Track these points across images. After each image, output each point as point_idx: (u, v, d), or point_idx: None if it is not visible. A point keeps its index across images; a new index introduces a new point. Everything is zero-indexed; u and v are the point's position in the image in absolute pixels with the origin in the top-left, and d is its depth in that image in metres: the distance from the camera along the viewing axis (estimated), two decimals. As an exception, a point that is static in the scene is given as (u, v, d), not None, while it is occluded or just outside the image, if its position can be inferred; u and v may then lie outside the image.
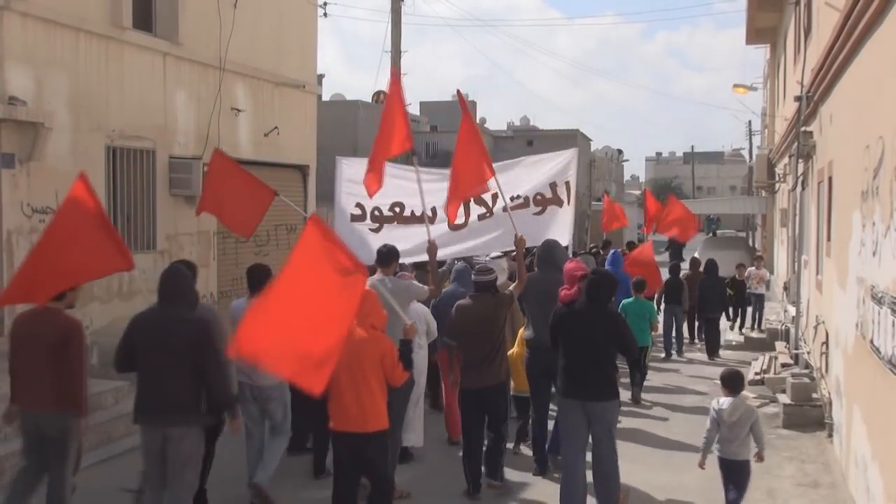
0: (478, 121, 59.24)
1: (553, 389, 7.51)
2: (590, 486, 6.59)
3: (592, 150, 65.16)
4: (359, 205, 8.62)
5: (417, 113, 55.05)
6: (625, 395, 9.49)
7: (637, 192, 76.51)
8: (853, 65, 7.92)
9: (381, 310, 5.81)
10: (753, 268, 16.95)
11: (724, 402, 6.40)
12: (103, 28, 10.67)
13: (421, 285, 7.48)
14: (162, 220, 11.82)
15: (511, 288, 7.54)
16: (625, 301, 10.90)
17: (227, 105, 13.14)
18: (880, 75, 6.41)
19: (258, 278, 6.74)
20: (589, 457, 6.55)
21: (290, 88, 14.92)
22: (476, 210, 8.86)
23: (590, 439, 6.51)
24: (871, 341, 6.23)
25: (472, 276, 7.46)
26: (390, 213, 8.64)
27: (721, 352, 14.59)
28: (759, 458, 6.56)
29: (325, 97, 43.49)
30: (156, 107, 11.73)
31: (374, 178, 7.43)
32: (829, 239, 9.73)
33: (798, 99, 11.88)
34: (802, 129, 11.91)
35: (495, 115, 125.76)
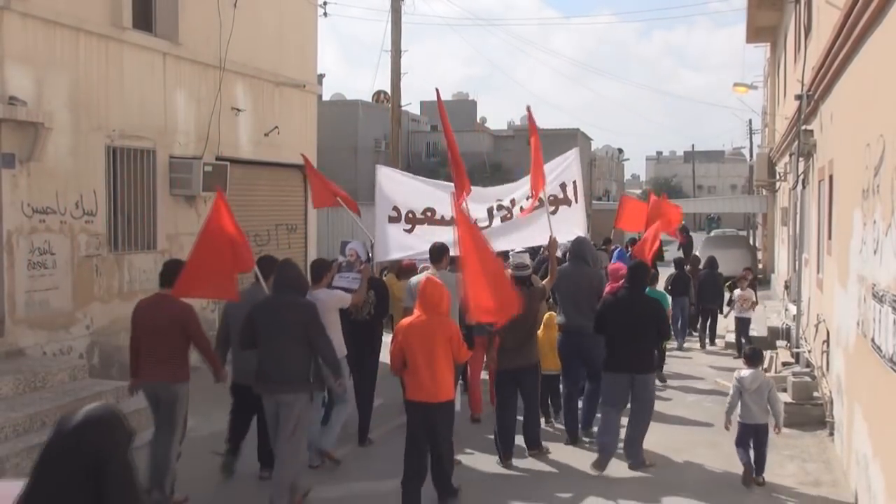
0: (478, 120, 59.35)
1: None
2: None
3: (593, 149, 65.18)
4: (395, 208, 9.56)
5: (418, 112, 55.04)
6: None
7: (637, 192, 76.52)
8: (854, 63, 7.91)
9: (447, 298, 6.66)
10: (738, 290, 14.36)
11: (746, 373, 7.49)
12: (103, 28, 10.67)
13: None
14: (162, 219, 11.82)
15: (544, 283, 8.49)
16: None
17: (228, 105, 13.13)
18: (881, 73, 6.40)
19: (319, 272, 7.77)
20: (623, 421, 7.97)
21: (291, 88, 14.92)
22: (498, 214, 9.74)
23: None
24: (872, 340, 6.23)
25: (510, 272, 8.05)
26: (422, 217, 9.56)
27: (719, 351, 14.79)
28: (777, 428, 7.56)
29: (325, 97, 43.47)
30: (156, 107, 11.73)
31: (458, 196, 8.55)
32: (829, 237, 9.73)
33: (798, 97, 11.87)
34: (803, 127, 11.91)
35: (495, 115, 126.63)
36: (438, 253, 8.26)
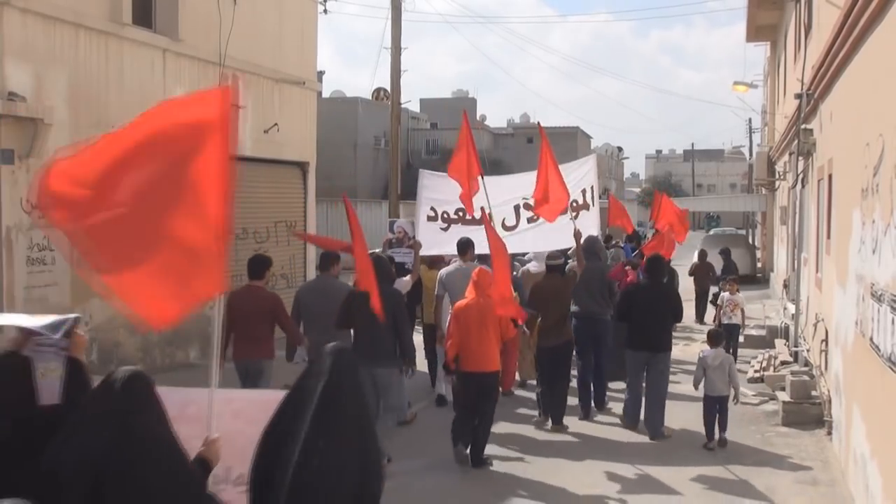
0: (478, 118, 59.31)
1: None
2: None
3: (592, 147, 65.16)
4: (433, 209, 10.61)
5: (418, 110, 55.02)
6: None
7: (637, 190, 76.55)
8: (853, 62, 7.91)
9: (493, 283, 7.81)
10: (727, 293, 13.19)
11: (709, 352, 8.68)
12: (103, 24, 10.66)
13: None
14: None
15: (575, 268, 9.96)
16: None
17: (227, 101, 13.12)
18: (880, 73, 6.40)
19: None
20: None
21: (290, 85, 14.91)
22: (525, 214, 10.59)
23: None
24: (871, 339, 6.23)
25: (546, 261, 9.60)
26: (455, 217, 10.57)
27: None
28: (736, 398, 8.86)
29: (324, 94, 43.43)
30: (155, 103, 11.72)
31: (465, 196, 9.42)
32: (828, 237, 9.73)
33: (798, 96, 11.86)
34: (803, 126, 11.90)
35: (494, 113, 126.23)
36: (464, 247, 9.47)
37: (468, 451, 7.86)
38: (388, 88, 22.69)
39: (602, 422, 9.63)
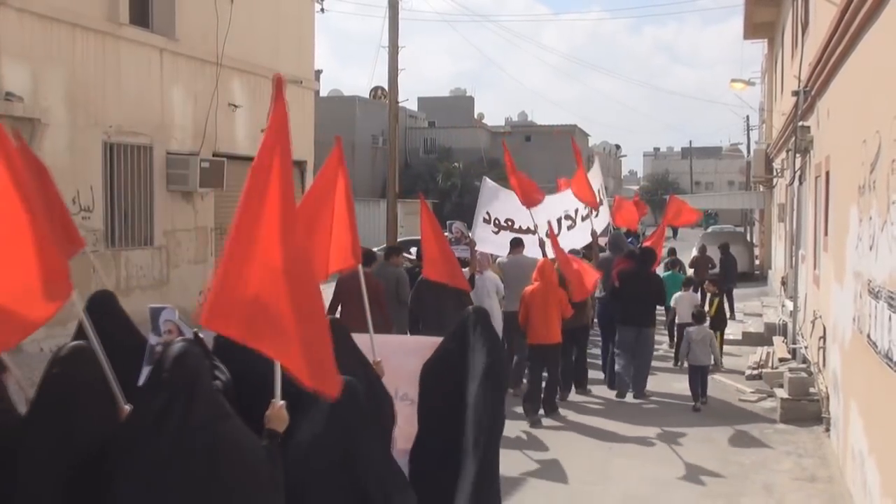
0: (476, 116, 59.28)
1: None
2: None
3: (590, 145, 65.16)
4: (487, 213, 12.03)
5: (415, 109, 54.97)
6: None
7: (635, 188, 76.53)
8: (850, 59, 7.92)
9: (554, 272, 9.36)
10: (693, 329, 10.49)
11: (693, 328, 10.39)
12: (100, 24, 10.65)
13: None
14: (159, 215, 11.81)
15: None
16: (664, 274, 13.64)
17: (225, 101, 13.13)
18: (877, 70, 6.41)
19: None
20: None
21: (288, 84, 14.88)
22: (565, 223, 12.45)
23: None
24: (868, 336, 6.24)
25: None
26: (505, 224, 12.10)
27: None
28: (717, 365, 10.96)
29: (322, 93, 43.42)
30: (153, 102, 11.71)
31: (530, 202, 10.93)
32: (826, 234, 9.74)
33: (795, 94, 11.86)
34: (800, 123, 11.90)
35: (491, 110, 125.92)
36: (516, 244, 11.16)
37: (540, 408, 9.49)
38: (386, 87, 22.68)
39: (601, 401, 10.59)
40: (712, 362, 10.52)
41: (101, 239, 10.64)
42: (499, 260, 11.58)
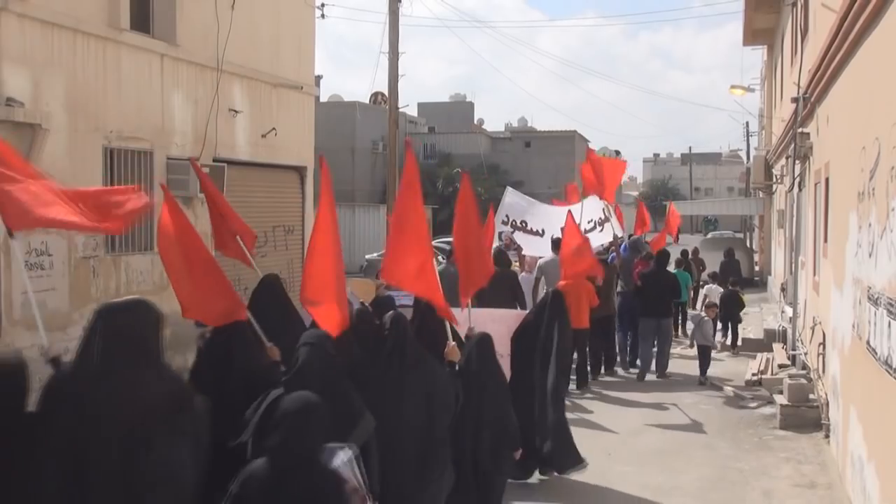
0: (475, 122, 59.31)
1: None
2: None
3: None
4: (507, 215, 13.81)
5: (415, 114, 55.01)
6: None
7: (635, 194, 76.55)
8: (849, 66, 7.94)
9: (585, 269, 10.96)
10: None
11: (701, 313, 12.93)
12: (101, 29, 10.66)
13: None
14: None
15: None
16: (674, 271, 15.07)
17: (225, 106, 13.13)
18: (876, 77, 6.42)
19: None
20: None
21: (288, 89, 14.91)
22: (589, 230, 13.54)
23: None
24: (868, 342, 6.25)
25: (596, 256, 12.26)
26: (520, 226, 13.83)
27: (714, 353, 14.66)
28: (714, 347, 12.91)
29: (322, 98, 43.45)
30: (153, 108, 11.72)
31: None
32: (825, 240, 9.75)
33: (795, 100, 11.89)
34: (799, 130, 11.92)
35: (490, 116, 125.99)
36: (556, 244, 12.03)
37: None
38: (386, 92, 22.69)
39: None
40: (715, 345, 13.03)
41: (101, 244, 10.63)
42: (540, 261, 12.91)
